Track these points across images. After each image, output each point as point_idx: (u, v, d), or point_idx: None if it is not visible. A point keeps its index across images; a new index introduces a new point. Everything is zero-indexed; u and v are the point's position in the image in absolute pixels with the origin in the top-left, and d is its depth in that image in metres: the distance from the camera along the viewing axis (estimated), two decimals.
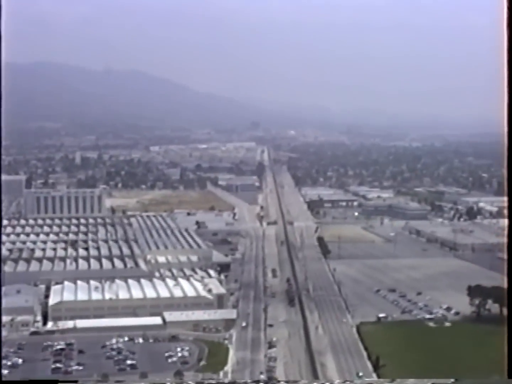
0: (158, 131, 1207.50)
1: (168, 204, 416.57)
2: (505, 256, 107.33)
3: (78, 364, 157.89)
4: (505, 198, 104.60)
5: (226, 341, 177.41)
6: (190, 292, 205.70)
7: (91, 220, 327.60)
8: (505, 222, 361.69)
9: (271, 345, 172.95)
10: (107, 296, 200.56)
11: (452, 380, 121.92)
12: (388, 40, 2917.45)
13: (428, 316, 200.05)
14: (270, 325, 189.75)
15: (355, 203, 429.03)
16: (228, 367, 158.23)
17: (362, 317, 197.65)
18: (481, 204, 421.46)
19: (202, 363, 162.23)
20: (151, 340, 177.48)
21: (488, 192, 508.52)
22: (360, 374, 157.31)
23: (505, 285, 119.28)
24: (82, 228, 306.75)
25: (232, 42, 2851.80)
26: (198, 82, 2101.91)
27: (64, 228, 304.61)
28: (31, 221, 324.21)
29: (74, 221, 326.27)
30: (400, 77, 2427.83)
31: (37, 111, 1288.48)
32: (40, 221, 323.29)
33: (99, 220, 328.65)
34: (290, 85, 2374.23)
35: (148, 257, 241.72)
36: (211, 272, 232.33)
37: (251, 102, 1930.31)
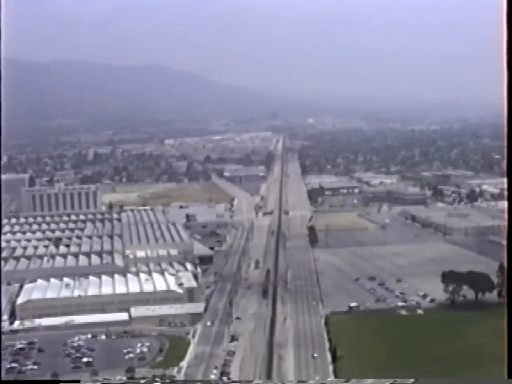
0: (176, 124, 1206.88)
1: (168, 198, 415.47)
2: (505, 257, 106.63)
3: (34, 363, 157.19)
4: (505, 199, 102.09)
5: (189, 336, 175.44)
6: (161, 287, 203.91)
7: (82, 217, 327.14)
8: (505, 203, 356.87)
9: (233, 339, 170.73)
10: (76, 293, 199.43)
11: (412, 380, 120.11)
12: (406, 25, 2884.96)
13: (401, 304, 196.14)
14: (238, 318, 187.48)
15: (356, 190, 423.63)
16: (184, 363, 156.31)
17: (334, 307, 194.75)
18: (484, 187, 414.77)
19: (159, 359, 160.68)
20: (113, 337, 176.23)
21: (496, 174, 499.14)
22: (315, 355, 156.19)
23: (505, 285, 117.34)
24: (71, 225, 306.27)
25: (253, 33, 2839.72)
26: (219, 74, 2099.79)
27: (53, 226, 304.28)
28: (22, 219, 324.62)
29: (65, 218, 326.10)
30: (420, 61, 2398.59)
31: (57, 109, 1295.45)
32: (31, 219, 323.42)
33: (89, 216, 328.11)
34: (311, 74, 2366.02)
35: (127, 252, 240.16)
36: (188, 265, 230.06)
37: (272, 92, 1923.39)
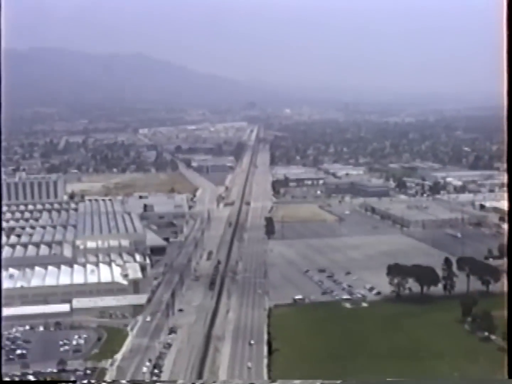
0: (152, 113, 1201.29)
1: (133, 188, 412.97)
2: (506, 257, 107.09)
3: None
4: (506, 199, 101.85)
5: (127, 328, 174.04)
6: (105, 278, 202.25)
7: (39, 206, 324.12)
8: (466, 196, 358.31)
9: (172, 331, 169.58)
10: (19, 284, 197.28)
11: (340, 381, 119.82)
12: (388, 17, 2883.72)
13: (346, 297, 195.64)
14: (181, 310, 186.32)
15: (321, 182, 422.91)
16: (118, 355, 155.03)
17: (280, 300, 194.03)
18: (448, 179, 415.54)
19: (94, 351, 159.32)
20: (52, 328, 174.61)
21: (463, 166, 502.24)
22: (252, 342, 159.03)
23: (505, 284, 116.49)
24: (27, 215, 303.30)
25: (235, 22, 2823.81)
26: (199, 64, 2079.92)
27: (8, 215, 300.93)
28: None
29: (21, 207, 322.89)
30: (401, 53, 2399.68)
31: (34, 97, 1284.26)
32: None
33: (47, 206, 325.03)
34: (292, 65, 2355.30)
35: (77, 242, 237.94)
36: (138, 256, 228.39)
37: (252, 82, 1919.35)
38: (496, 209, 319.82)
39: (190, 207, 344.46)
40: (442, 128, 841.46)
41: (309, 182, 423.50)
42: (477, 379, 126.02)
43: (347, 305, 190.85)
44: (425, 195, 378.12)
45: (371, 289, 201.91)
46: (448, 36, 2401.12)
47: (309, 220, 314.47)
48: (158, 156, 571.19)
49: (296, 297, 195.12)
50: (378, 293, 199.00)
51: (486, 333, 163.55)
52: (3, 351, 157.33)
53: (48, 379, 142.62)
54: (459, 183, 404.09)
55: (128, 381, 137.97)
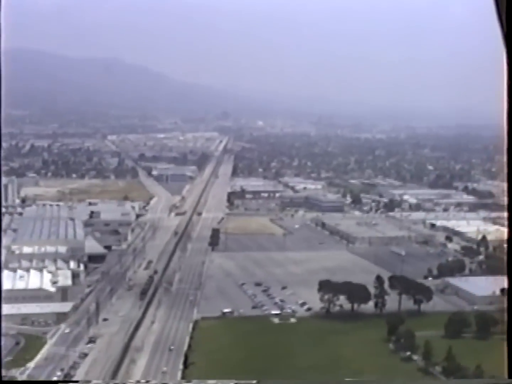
0: (125, 120, 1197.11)
1: (88, 194, 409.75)
2: (506, 256, 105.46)
3: None
4: (505, 199, 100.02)
5: (47, 336, 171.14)
6: (34, 285, 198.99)
7: None
8: (418, 214, 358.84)
9: (90, 341, 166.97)
10: None
11: (255, 381, 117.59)
12: (371, 30, 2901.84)
13: (275, 312, 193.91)
14: (105, 319, 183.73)
15: (277, 195, 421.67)
16: (32, 363, 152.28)
17: (209, 312, 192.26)
18: (405, 197, 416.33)
19: (8, 358, 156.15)
20: None
21: (424, 184, 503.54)
22: (172, 347, 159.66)
23: (506, 284, 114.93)
24: None
25: (215, 31, 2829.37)
26: (177, 71, 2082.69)
27: None
28: None
29: None
30: (380, 66, 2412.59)
31: (6, 99, 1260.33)
32: None
33: None
34: (271, 73, 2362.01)
35: (13, 247, 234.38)
36: (72, 263, 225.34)
37: (229, 91, 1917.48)
38: (445, 228, 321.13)
39: (140, 216, 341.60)
40: (411, 145, 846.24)
41: (266, 195, 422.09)
42: (477, 379, 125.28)
43: (275, 320, 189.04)
44: (379, 211, 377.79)
45: (302, 304, 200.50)
46: (430, 50, 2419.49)
47: (257, 233, 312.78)
48: (120, 163, 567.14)
49: (225, 310, 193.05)
50: (309, 309, 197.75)
51: (408, 353, 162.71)
52: None
53: None
54: (414, 201, 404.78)
55: (128, 381, 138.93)
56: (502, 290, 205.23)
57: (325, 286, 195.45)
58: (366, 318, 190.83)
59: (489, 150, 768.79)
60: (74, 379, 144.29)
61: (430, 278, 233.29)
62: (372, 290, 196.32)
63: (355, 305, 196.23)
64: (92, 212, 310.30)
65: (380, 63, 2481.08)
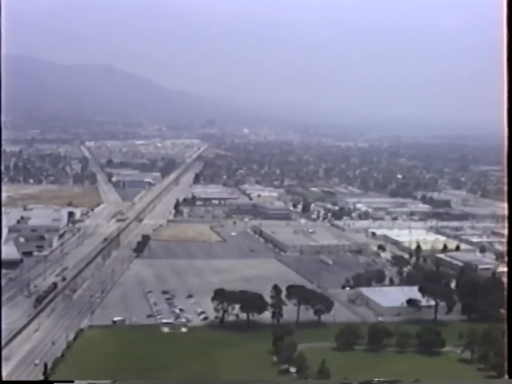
0: (109, 126, 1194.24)
1: (38, 199, 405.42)
2: (506, 257, 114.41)
3: None
4: (505, 199, 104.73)
5: None
6: None
7: None
8: (364, 223, 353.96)
9: None
10: None
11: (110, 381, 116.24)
12: (364, 39, 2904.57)
13: (167, 321, 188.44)
14: None
15: (227, 202, 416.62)
16: None
17: (103, 320, 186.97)
18: (358, 205, 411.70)
19: None
20: None
21: (386, 193, 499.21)
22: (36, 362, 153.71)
23: (505, 285, 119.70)
24: None
25: (208, 38, 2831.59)
26: (167, 78, 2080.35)
27: None
28: None
29: None
30: (375, 77, 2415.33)
31: None
32: None
33: None
34: (262, 82, 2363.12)
35: None
36: None
37: (219, 99, 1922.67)
38: (385, 238, 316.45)
39: (79, 221, 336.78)
40: (390, 154, 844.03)
41: (216, 202, 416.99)
42: (477, 379, 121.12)
43: (166, 329, 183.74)
44: (326, 220, 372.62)
45: (200, 313, 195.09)
46: (421, 61, 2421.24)
47: (191, 240, 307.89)
48: (83, 169, 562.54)
49: (115, 318, 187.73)
50: (206, 318, 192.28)
51: (286, 366, 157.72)
52: None
53: None
54: (367, 209, 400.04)
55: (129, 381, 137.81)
56: (409, 301, 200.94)
57: (220, 295, 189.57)
58: (261, 329, 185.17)
59: (466, 160, 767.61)
60: None
61: (347, 288, 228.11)
62: (269, 300, 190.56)
63: (254, 315, 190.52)
64: (21, 218, 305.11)
65: (372, 72, 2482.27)
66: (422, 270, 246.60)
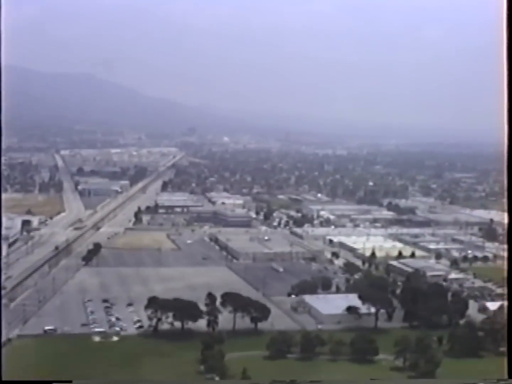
0: (88, 135, 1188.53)
1: None
2: (506, 255, 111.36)
3: None
4: (505, 200, 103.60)
5: None
6: None
7: None
8: (323, 230, 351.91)
9: None
10: None
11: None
12: (352, 44, 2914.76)
13: (99, 329, 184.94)
14: None
15: (191, 209, 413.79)
16: None
17: (34, 329, 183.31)
18: (321, 212, 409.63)
19: None
20: None
21: (354, 200, 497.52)
22: None
23: (506, 285, 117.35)
24: None
25: (191, 48, 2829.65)
26: (151, 87, 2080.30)
27: None
28: None
29: None
30: (363, 85, 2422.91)
31: None
32: None
33: None
34: (247, 90, 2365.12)
35: None
36: None
37: (203, 108, 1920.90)
38: (342, 245, 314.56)
39: (34, 230, 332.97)
40: (366, 161, 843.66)
41: (179, 210, 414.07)
42: (477, 379, 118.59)
43: (97, 338, 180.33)
44: (287, 227, 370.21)
45: (136, 322, 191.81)
46: (407, 69, 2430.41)
47: (144, 248, 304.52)
48: (51, 178, 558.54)
49: (47, 327, 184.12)
50: (141, 326, 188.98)
51: (211, 375, 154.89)
52: None
53: None
54: (330, 216, 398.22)
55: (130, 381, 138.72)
56: (348, 308, 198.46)
57: (153, 303, 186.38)
58: (195, 337, 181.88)
59: (442, 167, 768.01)
60: None
61: (293, 296, 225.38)
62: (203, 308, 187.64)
63: (190, 323, 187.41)
64: None
65: (356, 80, 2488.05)
66: (371, 277, 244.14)
